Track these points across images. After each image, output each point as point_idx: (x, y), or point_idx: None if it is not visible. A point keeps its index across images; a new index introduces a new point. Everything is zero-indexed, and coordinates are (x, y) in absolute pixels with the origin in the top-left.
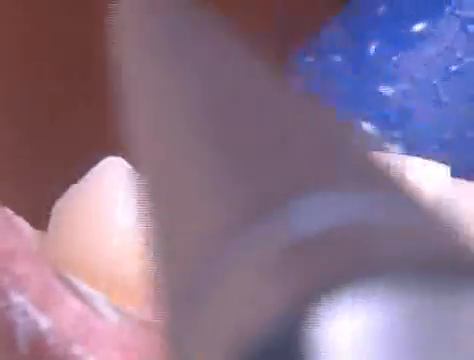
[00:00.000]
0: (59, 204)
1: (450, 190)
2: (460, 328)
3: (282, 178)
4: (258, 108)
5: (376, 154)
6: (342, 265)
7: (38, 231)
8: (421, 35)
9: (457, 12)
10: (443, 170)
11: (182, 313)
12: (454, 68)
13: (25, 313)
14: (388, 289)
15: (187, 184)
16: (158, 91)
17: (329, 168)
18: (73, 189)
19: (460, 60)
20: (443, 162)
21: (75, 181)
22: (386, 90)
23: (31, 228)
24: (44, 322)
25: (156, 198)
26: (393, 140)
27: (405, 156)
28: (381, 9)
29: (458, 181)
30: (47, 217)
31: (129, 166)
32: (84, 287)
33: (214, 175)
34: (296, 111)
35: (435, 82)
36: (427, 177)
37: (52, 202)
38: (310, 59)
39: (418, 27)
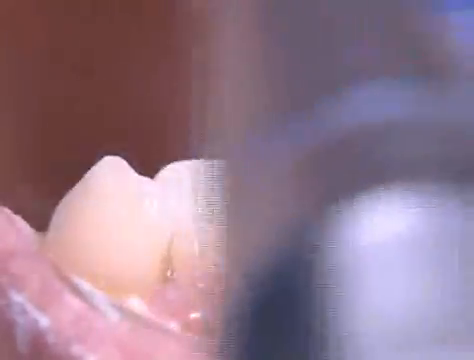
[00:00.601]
0: (60, 204)
1: None
2: None
3: (334, 66)
4: None
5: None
6: (370, 169)
7: (37, 231)
8: None
9: None
10: None
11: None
12: None
13: (24, 312)
14: (415, 195)
15: (242, 72)
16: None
17: (387, 58)
18: (73, 189)
19: None
20: None
21: (74, 182)
22: None
23: (30, 227)
24: (44, 321)
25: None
26: None
27: None
28: None
29: None
30: (46, 217)
31: (127, 165)
32: (84, 285)
33: (268, 63)
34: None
35: None
36: None
37: (50, 203)
38: None
39: None
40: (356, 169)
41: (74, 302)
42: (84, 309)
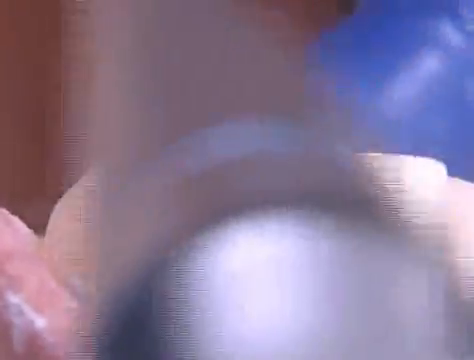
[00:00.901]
0: (58, 205)
1: (445, 189)
2: (344, 258)
3: (202, 103)
4: (196, 34)
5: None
6: (235, 197)
7: (35, 232)
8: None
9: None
10: (439, 168)
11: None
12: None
13: (21, 313)
14: (278, 222)
15: (112, 107)
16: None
17: (253, 96)
18: (71, 190)
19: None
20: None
21: (72, 183)
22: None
23: (27, 228)
24: (40, 322)
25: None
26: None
27: (400, 155)
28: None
29: (454, 180)
30: (44, 218)
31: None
32: (81, 286)
33: (138, 101)
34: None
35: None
36: (422, 175)
37: (48, 204)
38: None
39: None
40: (222, 197)
41: (71, 303)
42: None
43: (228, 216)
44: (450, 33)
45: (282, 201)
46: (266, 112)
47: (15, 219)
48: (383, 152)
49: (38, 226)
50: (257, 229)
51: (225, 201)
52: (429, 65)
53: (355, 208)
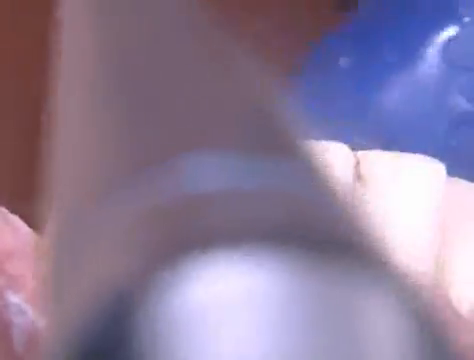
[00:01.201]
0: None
1: (445, 188)
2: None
3: (170, 135)
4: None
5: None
6: (204, 231)
7: (35, 231)
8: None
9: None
10: (438, 167)
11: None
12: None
13: (22, 312)
14: (249, 256)
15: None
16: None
17: (225, 127)
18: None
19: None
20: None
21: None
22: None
23: (27, 228)
24: (41, 321)
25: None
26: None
27: (400, 154)
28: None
29: (454, 179)
30: (44, 219)
31: None
32: None
33: (106, 128)
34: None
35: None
36: (422, 175)
37: (48, 205)
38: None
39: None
40: (190, 230)
41: None
42: None
43: (196, 249)
44: (450, 32)
45: (254, 235)
46: (241, 143)
47: (15, 218)
48: (383, 150)
49: (38, 225)
50: (227, 263)
51: (193, 234)
52: (429, 63)
53: (329, 243)
